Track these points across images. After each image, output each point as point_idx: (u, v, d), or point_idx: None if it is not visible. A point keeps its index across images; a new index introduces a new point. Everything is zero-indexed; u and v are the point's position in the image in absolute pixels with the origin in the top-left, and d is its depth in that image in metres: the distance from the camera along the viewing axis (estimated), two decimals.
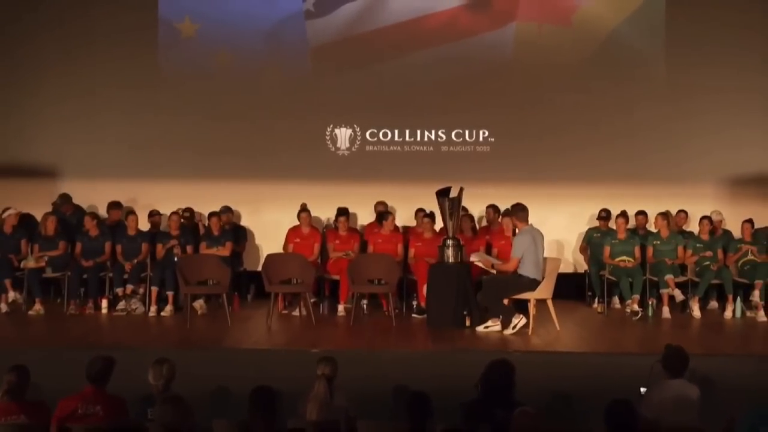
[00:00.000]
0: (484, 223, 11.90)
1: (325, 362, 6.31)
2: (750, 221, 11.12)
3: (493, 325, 9.58)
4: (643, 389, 6.21)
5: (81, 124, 12.31)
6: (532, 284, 9.62)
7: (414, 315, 10.74)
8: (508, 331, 9.50)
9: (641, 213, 11.68)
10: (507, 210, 10.07)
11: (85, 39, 12.28)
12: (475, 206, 11.72)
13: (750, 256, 11.00)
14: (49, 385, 6.28)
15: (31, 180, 12.16)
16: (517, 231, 10.01)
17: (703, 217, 11.30)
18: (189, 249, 11.11)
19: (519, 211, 9.80)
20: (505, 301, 9.69)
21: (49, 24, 12.32)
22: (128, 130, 12.24)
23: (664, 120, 12.09)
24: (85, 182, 12.13)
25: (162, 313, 10.63)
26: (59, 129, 12.32)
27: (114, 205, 11.68)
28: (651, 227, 11.60)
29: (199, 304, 10.79)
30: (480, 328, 9.61)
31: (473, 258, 10.06)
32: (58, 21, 12.30)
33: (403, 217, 11.91)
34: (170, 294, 10.75)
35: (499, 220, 11.35)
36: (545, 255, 9.80)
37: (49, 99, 12.35)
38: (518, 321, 9.55)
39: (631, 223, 11.53)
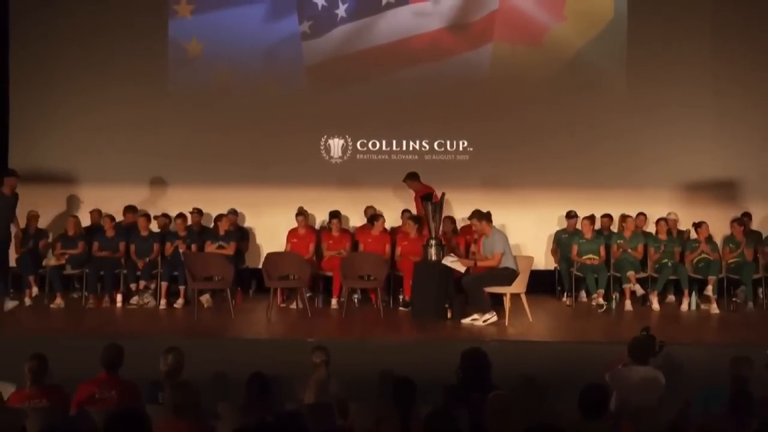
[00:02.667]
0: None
1: (321, 351, 6.31)
2: (704, 223, 11.13)
3: (479, 318, 9.59)
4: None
5: (97, 135, 12.22)
6: (513, 275, 9.66)
7: (400, 308, 10.75)
8: (479, 323, 9.52)
9: (606, 215, 11.70)
10: (477, 214, 9.99)
11: (102, 57, 12.20)
12: (456, 209, 11.72)
13: (704, 255, 11.03)
14: (69, 371, 6.25)
15: (49, 185, 12.10)
16: (484, 234, 10.00)
17: (660, 219, 11.31)
18: (194, 247, 11.08)
19: (485, 217, 9.94)
20: (486, 293, 9.73)
21: (69, 43, 12.24)
22: (140, 141, 12.15)
23: (624, 131, 12.08)
24: (100, 188, 12.07)
25: (174, 305, 10.65)
26: (76, 139, 12.25)
27: (129, 209, 11.63)
28: (614, 228, 11.62)
29: (205, 298, 10.79)
30: (466, 321, 9.62)
31: (445, 261, 10.01)
32: (78, 40, 12.22)
33: (390, 219, 11.89)
34: (182, 288, 10.74)
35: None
36: (520, 254, 9.85)
37: (68, 112, 12.28)
38: (491, 317, 9.60)
39: (596, 224, 11.52)
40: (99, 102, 12.25)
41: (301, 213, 11.40)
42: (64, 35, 12.28)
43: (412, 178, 11.28)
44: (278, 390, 5.56)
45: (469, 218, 10.17)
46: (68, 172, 12.26)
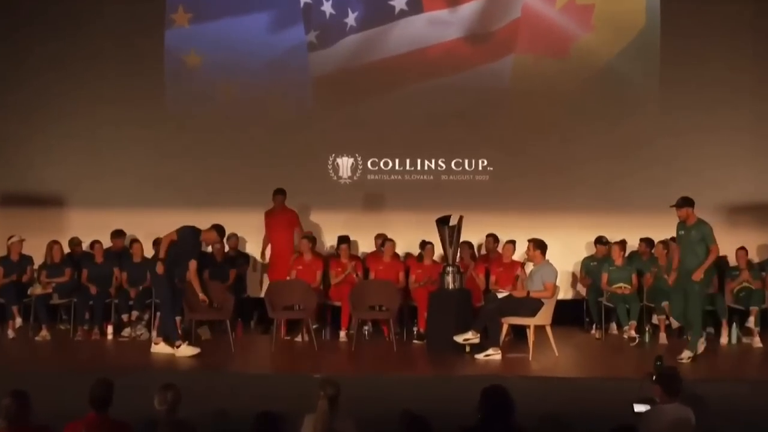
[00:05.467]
0: (484, 251, 11.89)
1: (328, 385, 6.27)
2: (743, 248, 11.10)
3: (494, 354, 9.56)
4: (638, 407, 6.20)
5: (87, 156, 12.35)
6: (538, 306, 9.67)
7: (414, 341, 10.74)
8: (480, 356, 9.53)
9: (645, 240, 11.60)
10: (537, 242, 10.01)
11: (93, 73, 12.33)
12: (475, 234, 11.69)
13: (745, 284, 10.97)
14: (55, 409, 6.24)
15: (38, 209, 12.16)
16: (533, 262, 10.11)
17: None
18: None
19: (541, 246, 9.98)
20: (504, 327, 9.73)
21: (56, 56, 12.36)
22: (133, 158, 12.27)
23: (657, 149, 12.09)
24: (91, 212, 12.12)
25: None
26: (66, 160, 12.35)
27: (117, 234, 11.67)
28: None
29: (203, 330, 10.79)
30: (480, 356, 9.57)
31: (500, 296, 9.99)
32: (66, 55, 12.35)
33: (404, 245, 11.89)
34: (178, 319, 10.72)
35: (499, 248, 11.39)
36: None
37: (56, 131, 12.41)
38: (495, 353, 9.56)
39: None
40: (88, 121, 12.39)
41: (307, 238, 11.41)
42: (50, 51, 12.39)
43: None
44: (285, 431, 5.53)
45: (528, 240, 10.14)
46: (55, 196, 12.33)
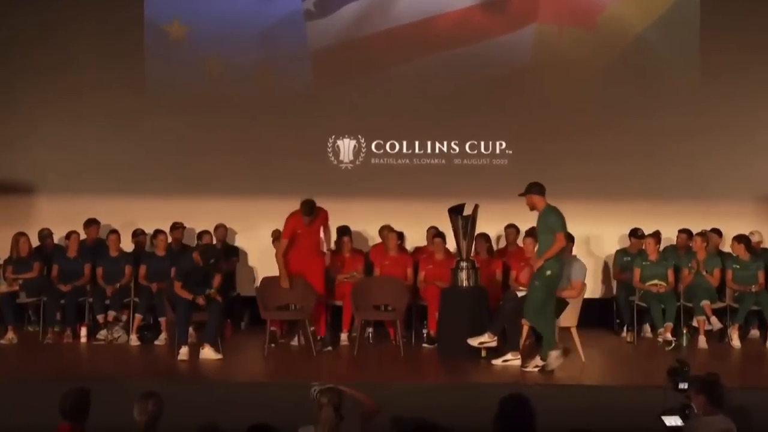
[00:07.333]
0: (502, 243, 11.90)
1: (330, 393, 6.29)
2: None
3: (513, 359, 9.57)
4: (668, 419, 6.18)
5: (59, 136, 12.37)
6: (563, 306, 9.63)
7: (424, 344, 10.75)
8: (498, 361, 9.52)
9: (684, 231, 11.59)
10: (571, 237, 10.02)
11: (63, 45, 12.37)
12: (492, 225, 11.67)
13: None
14: (23, 421, 6.27)
15: (2, 198, 12.19)
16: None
17: (739, 236, 11.19)
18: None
19: (572, 239, 9.92)
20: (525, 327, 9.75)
21: (23, 34, 12.39)
22: (111, 142, 12.28)
23: (695, 131, 12.11)
24: (64, 199, 12.15)
25: (156, 342, 10.70)
26: (35, 142, 12.37)
27: (91, 222, 11.68)
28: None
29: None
30: (497, 362, 9.57)
31: (521, 294, 9.94)
32: (33, 30, 12.37)
33: (413, 238, 11.90)
34: (162, 320, 10.77)
35: (519, 242, 11.37)
36: None
37: (22, 108, 12.44)
38: (514, 358, 9.56)
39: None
40: (59, 97, 12.40)
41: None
42: (16, 31, 12.42)
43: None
44: None
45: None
46: (22, 183, 12.35)
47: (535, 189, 9.39)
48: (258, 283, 11.20)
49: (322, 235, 10.88)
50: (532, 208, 9.45)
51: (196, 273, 10.14)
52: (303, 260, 10.63)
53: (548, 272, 9.20)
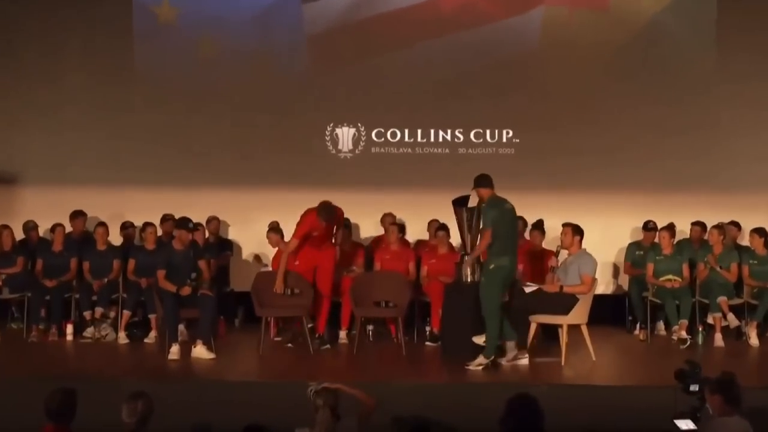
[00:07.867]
0: None
1: (326, 394, 6.29)
2: None
3: (521, 358, 9.50)
4: (681, 423, 6.14)
5: (44, 124, 12.33)
6: (573, 302, 9.56)
7: (427, 343, 10.73)
8: (504, 360, 9.45)
9: (698, 224, 11.61)
10: (575, 228, 9.92)
11: (49, 24, 12.34)
12: None
13: None
14: (6, 422, 6.22)
15: None
16: (568, 250, 9.94)
17: (758, 229, 11.17)
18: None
19: (580, 233, 9.85)
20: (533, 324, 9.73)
21: (6, 13, 12.37)
22: (99, 130, 12.26)
23: (712, 118, 12.11)
24: (49, 190, 12.10)
25: (146, 340, 10.66)
26: (18, 131, 12.33)
27: (77, 215, 11.64)
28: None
29: (179, 329, 10.74)
30: (504, 361, 9.46)
31: (528, 290, 9.92)
32: (17, 8, 12.36)
33: (415, 230, 11.85)
34: (152, 317, 10.72)
35: (526, 235, 11.32)
36: None
37: (5, 96, 12.42)
38: (521, 357, 9.52)
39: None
40: (43, 84, 12.34)
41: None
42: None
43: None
44: None
45: (564, 225, 10.07)
46: (5, 173, 12.30)
47: (481, 182, 9.55)
48: (252, 278, 11.12)
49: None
50: (481, 201, 9.50)
51: (178, 261, 10.08)
52: (315, 254, 10.54)
53: (491, 266, 9.27)
